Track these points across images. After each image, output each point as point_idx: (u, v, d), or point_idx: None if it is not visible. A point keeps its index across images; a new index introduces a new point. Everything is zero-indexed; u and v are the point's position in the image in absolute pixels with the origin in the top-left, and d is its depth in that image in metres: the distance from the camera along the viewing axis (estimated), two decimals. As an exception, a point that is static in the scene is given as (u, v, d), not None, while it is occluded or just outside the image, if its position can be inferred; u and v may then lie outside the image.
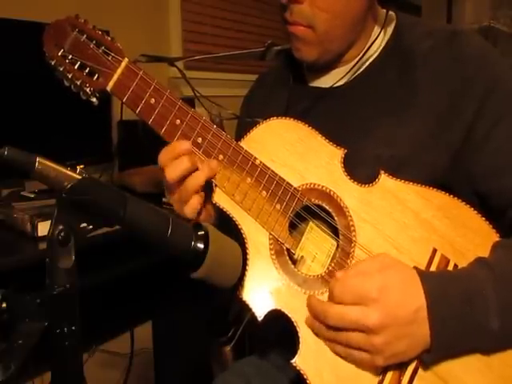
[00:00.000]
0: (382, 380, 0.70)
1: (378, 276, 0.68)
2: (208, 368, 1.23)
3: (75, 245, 0.51)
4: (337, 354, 0.70)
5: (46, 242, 0.51)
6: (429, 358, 0.69)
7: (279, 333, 0.85)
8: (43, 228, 1.25)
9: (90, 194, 0.53)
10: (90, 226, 0.54)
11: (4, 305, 0.49)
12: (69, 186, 0.51)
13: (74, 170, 0.54)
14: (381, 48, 0.85)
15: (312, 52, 0.83)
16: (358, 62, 0.85)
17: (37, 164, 0.53)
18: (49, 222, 0.51)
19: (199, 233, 0.60)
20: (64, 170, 0.53)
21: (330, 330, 0.69)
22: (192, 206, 0.78)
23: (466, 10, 3.51)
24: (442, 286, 0.68)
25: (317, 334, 0.71)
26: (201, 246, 0.60)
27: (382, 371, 0.70)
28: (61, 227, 0.51)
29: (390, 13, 0.87)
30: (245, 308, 0.73)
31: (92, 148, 1.77)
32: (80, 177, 0.53)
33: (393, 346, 0.66)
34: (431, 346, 0.67)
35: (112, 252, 1.37)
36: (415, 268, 0.70)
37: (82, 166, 1.48)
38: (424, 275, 0.69)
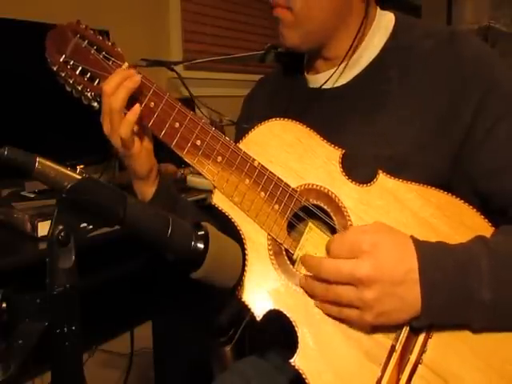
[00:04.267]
0: (381, 378, 0.71)
1: (372, 233, 0.70)
2: (208, 368, 1.23)
3: (75, 245, 0.51)
4: (327, 313, 0.72)
5: (46, 242, 0.51)
6: (418, 323, 0.69)
7: (278, 333, 0.85)
8: (43, 228, 1.25)
9: (90, 193, 0.53)
10: (90, 226, 0.54)
11: (4, 305, 0.49)
12: (69, 186, 0.51)
13: (73, 169, 0.54)
14: (379, 48, 0.85)
15: (293, 35, 0.83)
16: (355, 60, 0.85)
17: (37, 164, 0.53)
18: (49, 222, 0.51)
19: (199, 233, 0.60)
20: (64, 170, 0.54)
21: (322, 286, 0.70)
22: (133, 111, 0.79)
23: (466, 10, 3.51)
24: (435, 254, 0.70)
25: (311, 296, 0.73)
26: (201, 246, 0.60)
27: (381, 370, 0.71)
28: (61, 227, 0.51)
29: (389, 13, 0.88)
30: (244, 308, 0.74)
31: (92, 148, 1.77)
32: (80, 177, 0.53)
33: (382, 303, 0.67)
34: (421, 310, 0.68)
35: (112, 252, 1.37)
36: (411, 237, 0.71)
37: (81, 166, 1.48)
38: (418, 242, 0.70)
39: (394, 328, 0.72)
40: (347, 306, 0.69)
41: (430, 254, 0.69)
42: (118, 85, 0.78)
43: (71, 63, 0.82)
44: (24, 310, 0.50)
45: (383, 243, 0.69)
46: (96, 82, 0.82)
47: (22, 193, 1.56)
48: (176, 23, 2.43)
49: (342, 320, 0.71)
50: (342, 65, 0.85)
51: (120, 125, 0.80)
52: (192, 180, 1.83)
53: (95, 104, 0.83)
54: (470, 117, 0.77)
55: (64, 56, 0.82)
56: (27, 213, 1.30)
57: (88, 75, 0.82)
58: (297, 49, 0.86)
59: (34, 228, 1.25)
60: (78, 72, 0.82)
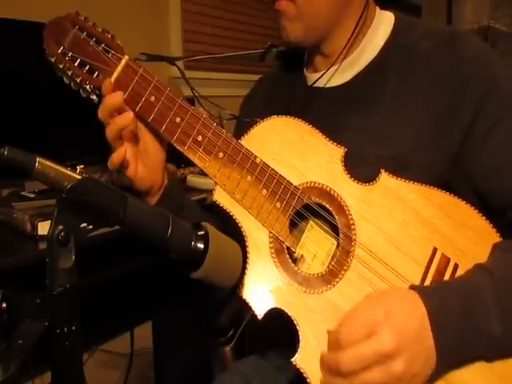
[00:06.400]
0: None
1: (378, 304, 0.67)
2: (208, 368, 1.22)
3: (75, 245, 0.51)
4: None
5: (46, 242, 0.51)
6: (435, 370, 0.66)
7: (279, 332, 0.85)
8: (43, 228, 1.25)
9: (90, 194, 0.53)
10: (90, 226, 0.54)
11: (4, 305, 0.49)
12: (69, 186, 0.51)
13: (73, 169, 0.54)
14: (379, 47, 0.85)
15: (296, 28, 0.82)
16: (355, 59, 0.85)
17: (37, 164, 0.53)
18: (49, 222, 0.51)
19: (199, 233, 0.60)
20: (64, 170, 0.54)
21: (346, 378, 0.64)
22: (116, 155, 0.81)
23: (466, 10, 3.51)
24: (440, 299, 0.67)
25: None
26: (201, 245, 0.60)
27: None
28: (61, 227, 0.51)
29: (389, 13, 0.88)
30: (245, 307, 0.73)
31: (92, 148, 1.77)
32: (80, 177, 0.53)
33: (412, 367, 0.63)
34: (436, 357, 0.65)
35: (112, 252, 1.37)
36: (411, 286, 0.70)
37: (81, 166, 1.48)
38: (421, 290, 0.68)
39: None
40: None
41: (436, 300, 0.67)
42: (109, 115, 0.80)
43: (70, 55, 0.81)
44: (24, 310, 0.50)
45: (394, 306, 0.66)
46: (95, 74, 0.81)
47: (22, 193, 1.56)
48: (176, 23, 2.42)
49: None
50: (346, 64, 0.85)
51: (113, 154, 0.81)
52: (192, 180, 1.83)
53: (94, 97, 0.82)
54: (469, 116, 0.77)
55: (62, 47, 0.80)
56: (27, 213, 1.29)
57: (87, 67, 0.81)
58: (299, 43, 0.85)
59: (34, 228, 1.25)
60: (76, 64, 0.81)
